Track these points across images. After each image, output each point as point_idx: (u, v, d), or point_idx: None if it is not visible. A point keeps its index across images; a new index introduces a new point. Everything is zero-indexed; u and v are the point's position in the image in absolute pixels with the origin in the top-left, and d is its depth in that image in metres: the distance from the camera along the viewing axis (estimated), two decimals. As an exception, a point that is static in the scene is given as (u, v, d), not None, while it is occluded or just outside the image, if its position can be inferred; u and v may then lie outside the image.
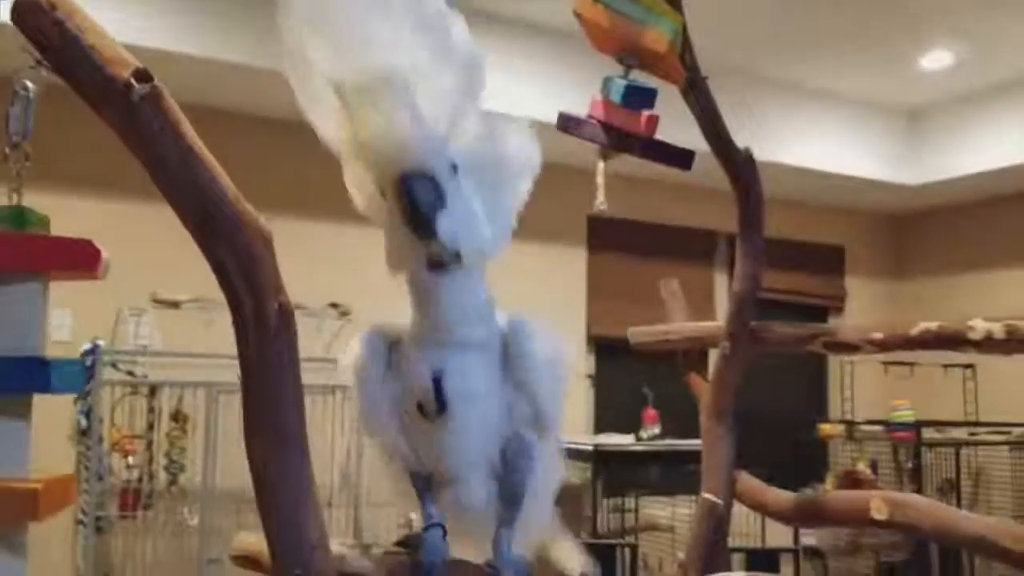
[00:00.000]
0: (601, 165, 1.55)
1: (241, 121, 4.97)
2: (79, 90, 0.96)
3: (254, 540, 1.08)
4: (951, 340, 1.53)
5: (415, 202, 1.13)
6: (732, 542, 5.06)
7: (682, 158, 1.59)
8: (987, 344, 1.48)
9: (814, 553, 5.96)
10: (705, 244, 6.49)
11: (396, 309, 4.62)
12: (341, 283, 4.85)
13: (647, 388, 5.60)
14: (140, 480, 3.83)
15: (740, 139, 1.90)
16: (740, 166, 1.77)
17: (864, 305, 6.98)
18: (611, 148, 1.56)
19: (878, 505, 1.49)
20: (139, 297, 4.00)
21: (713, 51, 5.33)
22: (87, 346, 3.61)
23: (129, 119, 0.96)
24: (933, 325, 1.55)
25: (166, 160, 0.97)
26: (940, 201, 6.76)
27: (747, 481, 1.85)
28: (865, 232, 7.23)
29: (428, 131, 1.10)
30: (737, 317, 1.80)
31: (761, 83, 5.87)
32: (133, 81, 0.95)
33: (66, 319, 4.25)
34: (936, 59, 5.57)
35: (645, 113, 1.54)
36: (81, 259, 1.17)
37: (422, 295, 1.16)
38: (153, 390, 3.93)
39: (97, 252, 1.17)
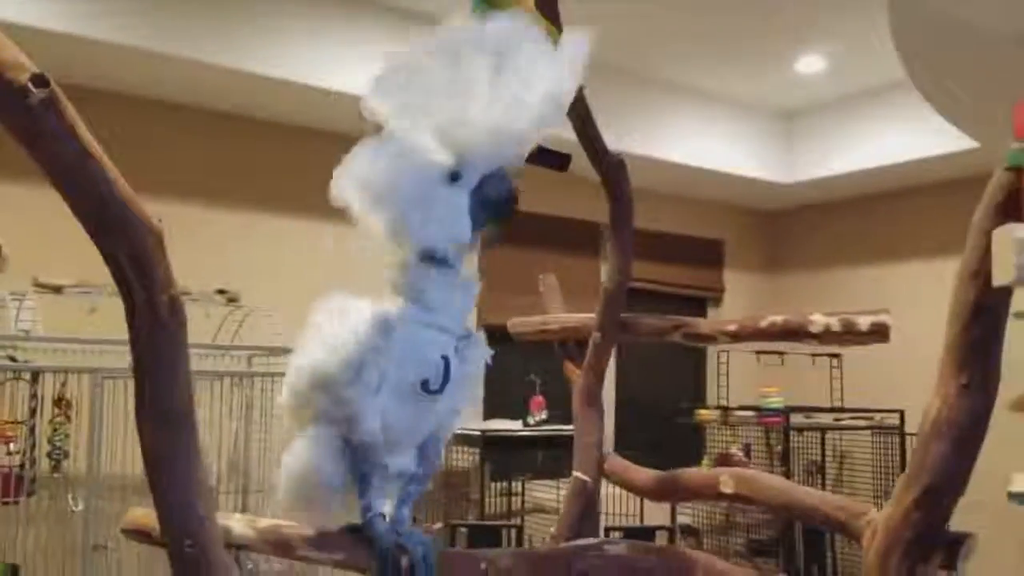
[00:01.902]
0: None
1: (139, 105, 4.92)
2: (-25, 93, 1.01)
3: (144, 514, 1.15)
4: (794, 332, 1.69)
5: (511, 191, 1.23)
6: (612, 521, 5.28)
7: (561, 161, 1.70)
8: (825, 336, 1.64)
9: (690, 531, 6.23)
10: (591, 236, 6.67)
11: (284, 296, 4.62)
12: (229, 269, 4.84)
13: (534, 376, 5.75)
14: (22, 467, 3.78)
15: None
16: (611, 169, 1.89)
17: (741, 297, 7.27)
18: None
19: (726, 480, 1.64)
20: (21, 281, 3.94)
21: (600, 51, 5.56)
22: (-34, 331, 3.55)
23: (26, 122, 1.01)
24: (779, 318, 1.71)
25: (63, 161, 1.03)
26: (813, 199, 7.09)
27: (615, 461, 1.99)
28: (743, 227, 7.53)
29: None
30: (607, 310, 1.93)
31: (646, 82, 6.07)
32: (31, 86, 1.01)
33: (-57, 304, 4.17)
34: (809, 63, 5.86)
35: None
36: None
37: (433, 293, 1.23)
38: (36, 376, 3.88)
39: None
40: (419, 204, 1.22)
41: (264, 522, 1.24)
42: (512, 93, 1.19)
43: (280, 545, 1.21)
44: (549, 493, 5.40)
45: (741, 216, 7.49)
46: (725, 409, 6.28)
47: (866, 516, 1.35)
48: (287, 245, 5.24)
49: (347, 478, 1.27)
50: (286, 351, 4.45)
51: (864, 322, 1.61)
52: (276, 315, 4.58)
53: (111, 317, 3.61)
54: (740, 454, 5.94)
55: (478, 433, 5.20)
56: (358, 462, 1.25)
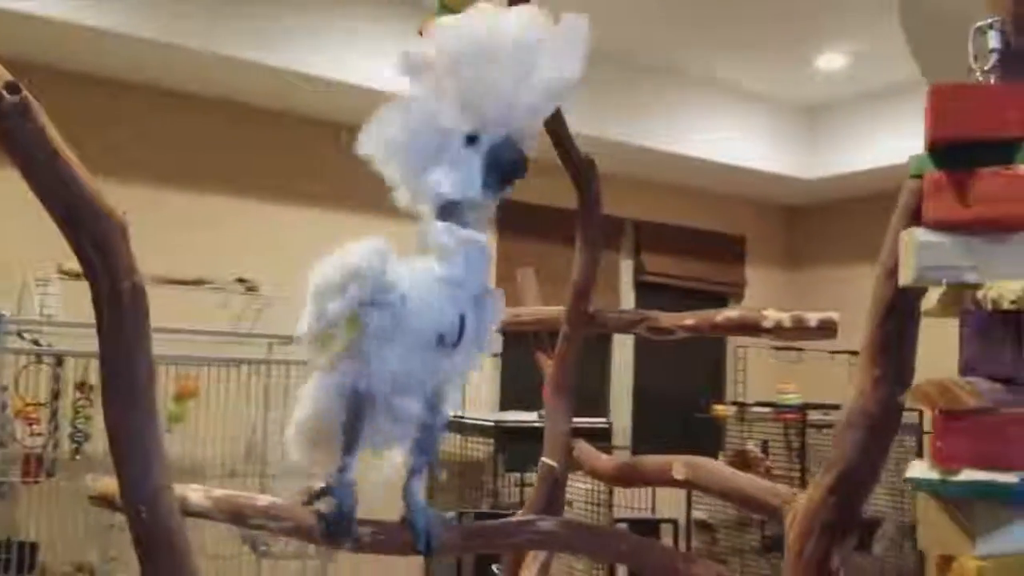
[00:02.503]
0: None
1: (162, 97, 5.06)
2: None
3: (109, 483, 1.25)
4: (748, 327, 1.76)
5: (522, 155, 1.33)
6: (621, 513, 5.35)
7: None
8: (777, 331, 1.72)
9: (704, 526, 6.28)
10: (612, 230, 6.73)
11: (303, 285, 4.74)
12: (248, 258, 4.97)
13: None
14: (44, 448, 3.93)
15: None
16: (580, 169, 1.97)
17: (762, 293, 7.29)
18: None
19: (678, 467, 1.72)
20: (45, 268, 4.08)
21: (621, 45, 5.63)
22: (-9, 315, 3.70)
23: (2, 126, 1.12)
24: (734, 313, 1.79)
25: (34, 162, 1.13)
26: (835, 195, 7.10)
27: (583, 448, 2.07)
28: (765, 223, 7.54)
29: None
30: (576, 303, 2.01)
31: (668, 78, 6.12)
32: (4, 93, 1.12)
33: (-29, 289, 4.33)
34: (830, 60, 5.88)
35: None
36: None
37: (449, 247, 1.32)
38: (59, 360, 4.03)
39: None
40: (436, 159, 1.31)
41: (219, 492, 1.34)
42: (527, 70, 1.30)
43: (233, 514, 1.31)
44: (562, 484, 5.46)
45: (762, 212, 7.51)
46: (742, 405, 6.32)
47: (795, 501, 1.42)
48: (306, 235, 5.36)
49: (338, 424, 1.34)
50: (304, 339, 4.57)
51: (813, 318, 1.68)
52: (294, 303, 4.69)
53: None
54: (756, 450, 5.99)
55: (493, 424, 5.29)
56: (354, 415, 1.32)
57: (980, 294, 1.13)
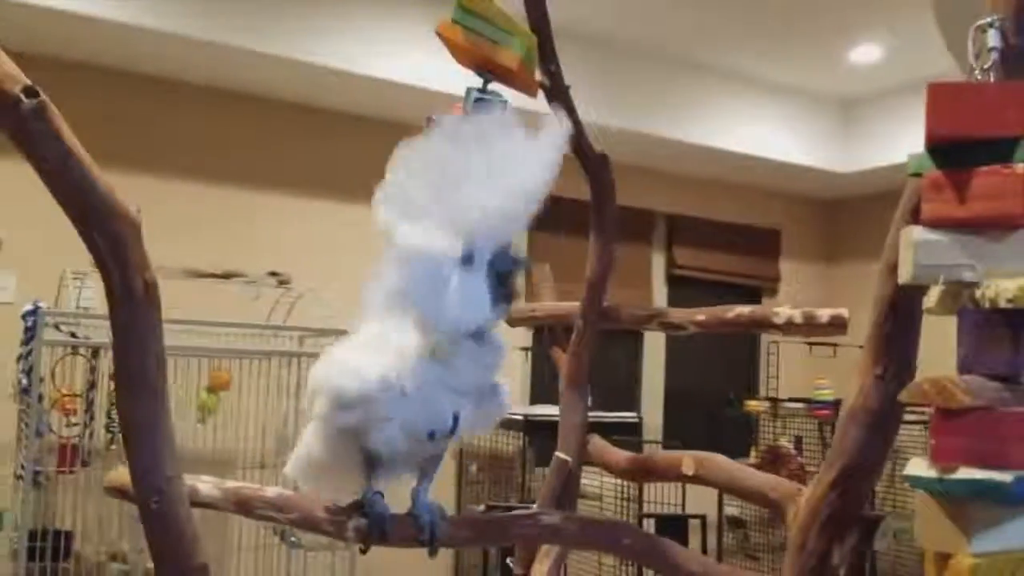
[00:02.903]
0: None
1: (191, 92, 5.13)
2: (-25, 104, 1.16)
3: (123, 473, 1.29)
4: (759, 323, 1.77)
5: (519, 261, 1.37)
6: (651, 508, 5.35)
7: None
8: (787, 327, 1.72)
9: (736, 522, 6.26)
10: (644, 224, 6.73)
11: (335, 280, 4.80)
12: (281, 252, 5.03)
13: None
14: (80, 438, 4.01)
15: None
16: (594, 163, 1.98)
17: (797, 287, 7.24)
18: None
19: (687, 462, 1.73)
20: (82, 261, 4.16)
21: (655, 38, 5.62)
22: (28, 307, 3.77)
23: (19, 128, 1.16)
24: (746, 309, 1.79)
25: (50, 161, 1.16)
26: (871, 188, 7.02)
27: (597, 443, 2.08)
28: (800, 217, 7.48)
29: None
30: (590, 298, 2.02)
31: (703, 71, 6.10)
32: (22, 96, 1.15)
33: (10, 281, 4.43)
34: (865, 52, 5.82)
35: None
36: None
37: (453, 357, 1.34)
38: (95, 351, 4.10)
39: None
40: (442, 296, 1.32)
41: (229, 483, 1.37)
42: (505, 176, 1.31)
43: (241, 504, 1.35)
44: (592, 479, 5.48)
45: (798, 205, 7.46)
46: (774, 400, 6.29)
47: (798, 496, 1.43)
48: (338, 229, 5.41)
49: (353, 464, 1.39)
50: (335, 332, 4.62)
51: (824, 314, 1.69)
52: (326, 297, 4.75)
53: (165, 296, 3.82)
54: (788, 446, 5.95)
55: (522, 418, 5.31)
56: (365, 459, 1.37)
57: (978, 292, 1.14)
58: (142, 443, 1.23)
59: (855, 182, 6.87)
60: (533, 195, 1.34)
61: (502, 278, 1.35)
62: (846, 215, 7.48)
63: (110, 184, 1.24)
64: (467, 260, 1.32)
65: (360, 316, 1.40)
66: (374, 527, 1.36)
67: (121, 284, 1.22)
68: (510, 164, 1.31)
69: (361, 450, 1.36)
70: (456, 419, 1.35)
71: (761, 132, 6.35)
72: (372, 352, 1.33)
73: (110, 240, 1.21)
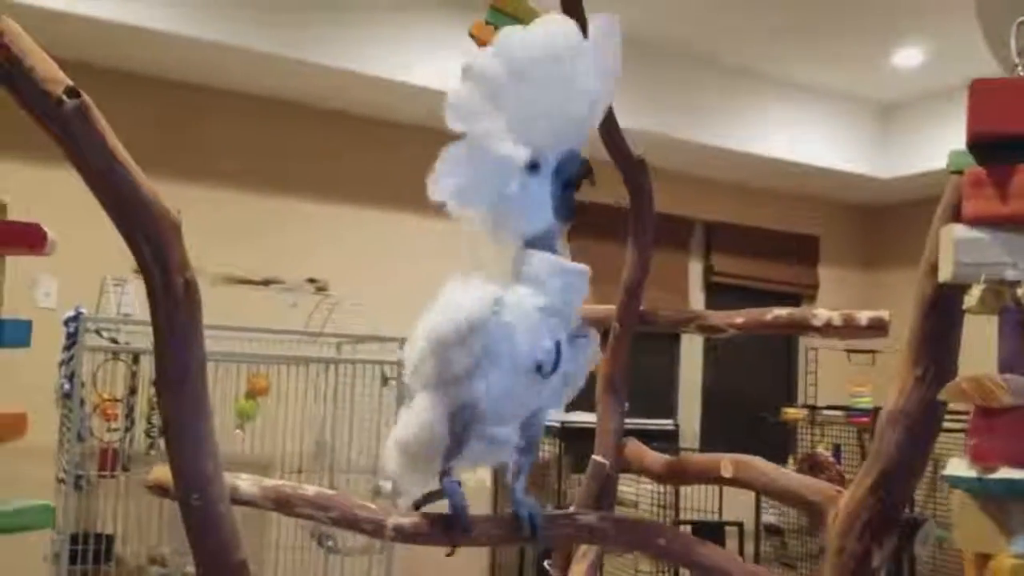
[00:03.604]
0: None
1: (232, 100, 5.18)
2: (23, 104, 1.17)
3: (165, 471, 1.31)
4: (798, 325, 1.76)
5: (587, 166, 1.35)
6: (688, 515, 5.32)
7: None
8: (826, 329, 1.71)
9: (774, 530, 6.21)
10: (682, 231, 6.70)
11: (372, 286, 4.84)
12: (319, 260, 5.07)
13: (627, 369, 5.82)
14: (121, 442, 4.06)
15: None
16: (632, 168, 1.98)
17: (835, 294, 7.16)
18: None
19: (726, 465, 1.72)
20: (122, 267, 4.22)
21: (694, 42, 5.61)
22: (70, 313, 3.83)
23: (63, 129, 1.17)
24: (784, 312, 1.78)
25: (92, 162, 1.18)
26: (911, 194, 6.95)
27: (633, 446, 2.08)
28: (839, 223, 7.42)
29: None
30: (627, 302, 2.02)
31: (742, 76, 6.07)
32: (64, 97, 1.17)
33: (52, 287, 4.50)
34: (907, 56, 5.77)
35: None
36: (29, 240, 1.38)
37: (545, 276, 1.33)
38: (136, 357, 4.16)
39: (43, 234, 1.38)
40: (506, 195, 1.32)
41: (268, 482, 1.39)
42: (568, 82, 1.30)
43: (281, 502, 1.36)
44: (629, 486, 5.47)
45: (837, 211, 7.39)
46: (813, 408, 6.24)
47: (837, 499, 1.42)
48: (376, 236, 5.45)
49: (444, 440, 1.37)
50: (373, 339, 4.65)
51: (863, 317, 1.67)
52: (364, 304, 4.78)
53: (205, 303, 3.87)
54: (827, 454, 5.89)
55: (558, 425, 5.30)
56: (460, 429, 1.35)
57: (1020, 291, 1.12)
58: (183, 441, 1.25)
59: (895, 188, 6.79)
60: (598, 95, 1.34)
61: (568, 184, 1.34)
62: (886, 221, 7.40)
63: (152, 186, 1.25)
64: (532, 166, 1.32)
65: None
66: (450, 520, 1.35)
67: (162, 284, 1.24)
68: (572, 70, 1.31)
69: (457, 412, 1.35)
70: (559, 349, 1.33)
71: (800, 137, 6.30)
72: (463, 291, 1.34)
73: (152, 241, 1.22)
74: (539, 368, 1.32)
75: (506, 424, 1.38)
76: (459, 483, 1.37)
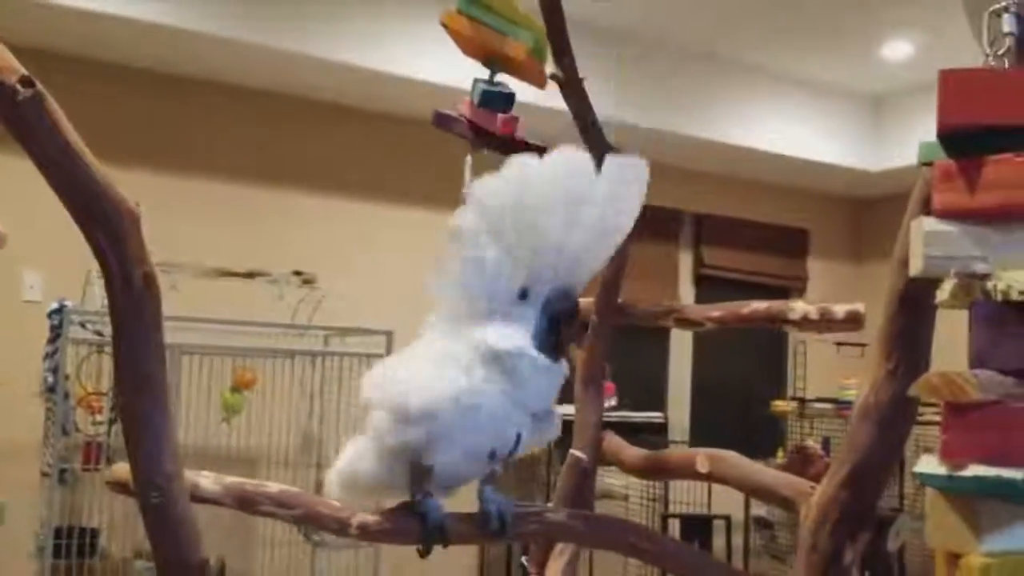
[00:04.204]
0: (468, 158, 1.75)
1: (218, 91, 5.15)
2: (-27, 94, 1.15)
3: (125, 468, 1.28)
4: (775, 319, 1.74)
5: (573, 307, 1.32)
6: (677, 509, 5.32)
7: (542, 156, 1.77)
8: (803, 323, 1.69)
9: (764, 523, 6.21)
10: (671, 223, 6.69)
11: (358, 279, 4.83)
12: (305, 252, 5.04)
13: (606, 362, 5.81)
14: (106, 436, 4.04)
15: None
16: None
17: (825, 287, 7.16)
18: (475, 145, 1.76)
19: (702, 460, 1.71)
20: (107, 261, 4.19)
21: (683, 35, 5.58)
22: (54, 305, 3.81)
23: (17, 119, 1.15)
24: (762, 305, 1.76)
25: (47, 153, 1.16)
26: (901, 187, 6.91)
27: (611, 440, 2.06)
28: (828, 216, 7.41)
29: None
30: (605, 295, 2.00)
31: (731, 68, 6.05)
32: (18, 86, 1.15)
33: (37, 280, 4.47)
34: (896, 49, 5.75)
35: (500, 116, 1.73)
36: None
37: (526, 374, 1.28)
38: (120, 350, 4.13)
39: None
40: (491, 313, 1.28)
41: (230, 479, 1.37)
42: (575, 218, 1.27)
43: (243, 500, 1.34)
44: (618, 479, 5.47)
45: (826, 204, 7.38)
46: (802, 401, 6.23)
47: (809, 495, 1.40)
48: (361, 228, 5.42)
49: (398, 486, 1.35)
50: (360, 331, 4.63)
51: (840, 310, 1.65)
52: (350, 296, 4.76)
53: (190, 295, 3.85)
54: (816, 447, 5.88)
55: (547, 417, 5.28)
56: (415, 479, 1.33)
57: (990, 284, 1.10)
58: (143, 438, 1.23)
59: (885, 181, 6.78)
60: (611, 238, 1.31)
61: (552, 321, 1.30)
62: (876, 214, 7.40)
63: (108, 176, 1.23)
64: (522, 295, 1.28)
65: (423, 325, 1.35)
66: (433, 528, 1.33)
67: (120, 277, 1.22)
68: (578, 202, 1.26)
69: (412, 466, 1.32)
70: (519, 438, 1.31)
71: (790, 130, 6.29)
72: (435, 365, 1.29)
73: (108, 232, 1.20)
74: (492, 455, 1.31)
75: (454, 484, 1.36)
76: (432, 495, 1.34)
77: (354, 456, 1.36)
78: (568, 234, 1.26)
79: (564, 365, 1.34)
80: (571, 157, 1.29)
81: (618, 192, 1.29)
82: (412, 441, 1.27)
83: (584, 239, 1.27)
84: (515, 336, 1.27)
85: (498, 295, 1.28)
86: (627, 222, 1.32)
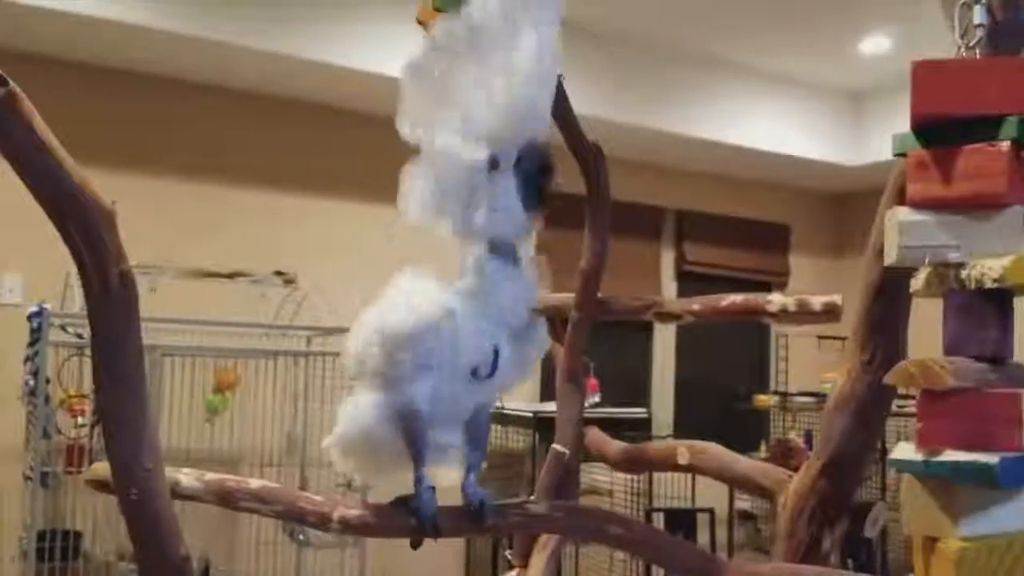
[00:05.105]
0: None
1: (196, 92, 5.13)
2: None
3: (105, 467, 1.28)
4: (753, 311, 1.75)
5: (548, 159, 1.31)
6: (661, 503, 5.33)
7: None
8: (781, 315, 1.70)
9: (747, 516, 6.24)
10: (653, 220, 6.70)
11: (340, 279, 4.80)
12: (287, 252, 5.03)
13: (588, 358, 5.82)
14: (88, 438, 4.01)
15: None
16: (588, 156, 1.96)
17: (806, 282, 7.19)
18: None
19: (682, 451, 1.72)
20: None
21: (661, 32, 5.59)
22: (34, 308, 3.78)
23: (-12, 117, 1.15)
24: (739, 298, 1.77)
25: (21, 152, 1.15)
26: (880, 182, 6.89)
27: (594, 434, 2.07)
28: (810, 211, 7.44)
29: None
30: (585, 289, 2.01)
31: (709, 64, 6.06)
32: (-10, 85, 1.15)
33: (17, 282, 4.44)
34: (875, 43, 5.78)
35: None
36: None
37: (484, 280, 1.31)
38: (101, 352, 4.10)
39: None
40: (471, 201, 1.29)
41: (210, 476, 1.36)
42: (517, 70, 1.27)
43: (224, 496, 1.34)
44: (603, 475, 5.47)
45: (807, 200, 7.42)
46: (784, 395, 6.26)
47: (787, 483, 1.41)
48: (343, 228, 5.41)
49: (397, 446, 1.34)
50: (342, 331, 4.61)
51: (817, 302, 1.67)
52: (332, 296, 4.75)
53: (171, 297, 3.84)
54: (798, 440, 5.92)
55: (532, 414, 5.30)
56: (411, 436, 1.33)
57: (963, 273, 1.11)
58: (122, 435, 1.23)
59: (865, 175, 6.81)
60: (544, 82, 1.30)
61: (532, 179, 1.30)
62: (856, 209, 7.43)
63: (84, 175, 1.22)
64: (493, 164, 1.29)
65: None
66: (428, 524, 1.33)
67: (96, 276, 1.21)
68: (511, 55, 1.27)
69: (403, 415, 1.32)
70: (496, 354, 1.32)
71: (769, 126, 6.31)
72: (405, 296, 1.32)
73: (85, 232, 1.20)
74: (475, 372, 1.31)
75: (448, 427, 1.36)
76: (433, 488, 1.35)
77: (347, 419, 1.37)
78: (508, 77, 1.27)
79: (533, 275, 1.35)
80: (487, 11, 1.29)
81: (538, 34, 1.29)
82: (404, 373, 1.29)
83: (525, 81, 1.27)
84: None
85: (470, 173, 1.28)
86: (553, 64, 1.31)
